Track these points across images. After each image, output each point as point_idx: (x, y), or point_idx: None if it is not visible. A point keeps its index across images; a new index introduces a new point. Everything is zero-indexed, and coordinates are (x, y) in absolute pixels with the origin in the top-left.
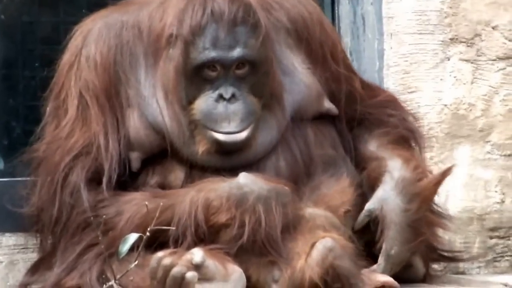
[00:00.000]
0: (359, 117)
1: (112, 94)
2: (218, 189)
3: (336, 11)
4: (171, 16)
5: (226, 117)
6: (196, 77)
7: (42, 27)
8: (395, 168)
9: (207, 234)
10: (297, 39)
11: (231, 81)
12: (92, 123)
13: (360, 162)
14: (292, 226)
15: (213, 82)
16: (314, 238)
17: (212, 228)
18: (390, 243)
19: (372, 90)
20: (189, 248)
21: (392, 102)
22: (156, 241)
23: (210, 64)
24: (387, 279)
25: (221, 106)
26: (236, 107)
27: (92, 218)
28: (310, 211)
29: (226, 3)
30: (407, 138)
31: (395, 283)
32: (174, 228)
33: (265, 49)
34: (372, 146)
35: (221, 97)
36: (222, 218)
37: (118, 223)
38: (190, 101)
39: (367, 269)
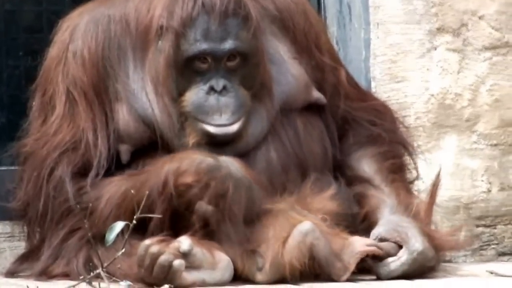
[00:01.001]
0: (344, 115)
1: (101, 90)
2: (193, 157)
3: (322, 0)
4: (159, 7)
5: (218, 109)
6: (186, 69)
7: (25, 16)
8: (393, 206)
9: (174, 196)
10: (282, 28)
11: (222, 73)
12: (80, 119)
13: (352, 180)
14: (257, 219)
15: (204, 74)
16: (292, 222)
17: (178, 188)
18: (413, 240)
19: (362, 93)
20: (164, 213)
21: (382, 111)
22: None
23: (201, 56)
24: (370, 248)
25: (212, 98)
26: (228, 99)
27: (74, 205)
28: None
29: None
30: (402, 165)
31: (379, 250)
32: (160, 216)
33: (256, 41)
34: (369, 168)
35: (212, 89)
36: (189, 179)
37: (98, 205)
38: (181, 93)
39: (351, 239)
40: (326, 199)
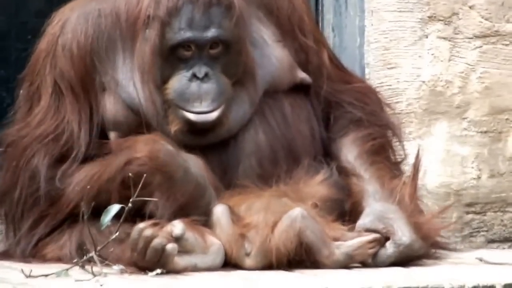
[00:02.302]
0: (327, 97)
1: (88, 83)
2: (154, 141)
3: None
4: None
5: (198, 96)
6: (171, 57)
7: (35, 0)
8: (376, 192)
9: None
10: (267, 12)
11: (205, 60)
12: (65, 112)
13: (337, 171)
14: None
15: (187, 61)
16: (284, 208)
17: (132, 164)
18: (400, 233)
19: (346, 75)
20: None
21: (367, 93)
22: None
23: (185, 44)
24: (365, 256)
25: (194, 85)
26: (209, 86)
27: (44, 192)
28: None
29: None
30: (384, 146)
31: (369, 254)
32: (156, 199)
33: (239, 29)
34: (350, 155)
35: (194, 76)
36: (143, 155)
37: (66, 191)
38: (165, 80)
39: (343, 232)
40: (319, 184)
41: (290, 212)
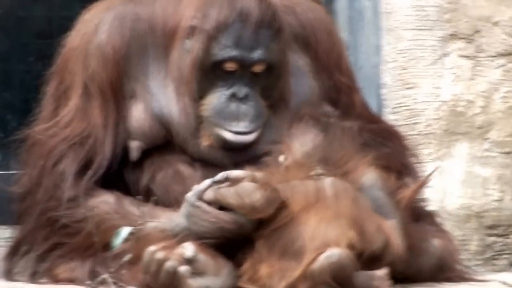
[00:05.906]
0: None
1: (118, 88)
2: (166, 229)
3: (333, 6)
4: (191, 8)
5: (237, 116)
6: (212, 72)
7: (37, 22)
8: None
9: None
10: (305, 45)
11: (246, 81)
12: (93, 115)
13: None
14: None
15: (227, 79)
16: (320, 245)
17: None
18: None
19: (372, 116)
20: None
21: (393, 134)
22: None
23: (229, 62)
24: None
25: (233, 105)
26: (248, 107)
27: (61, 216)
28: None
29: (255, 4)
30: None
31: None
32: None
33: (284, 55)
34: None
35: (234, 95)
36: None
37: (82, 230)
38: (202, 95)
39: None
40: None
41: (325, 256)
